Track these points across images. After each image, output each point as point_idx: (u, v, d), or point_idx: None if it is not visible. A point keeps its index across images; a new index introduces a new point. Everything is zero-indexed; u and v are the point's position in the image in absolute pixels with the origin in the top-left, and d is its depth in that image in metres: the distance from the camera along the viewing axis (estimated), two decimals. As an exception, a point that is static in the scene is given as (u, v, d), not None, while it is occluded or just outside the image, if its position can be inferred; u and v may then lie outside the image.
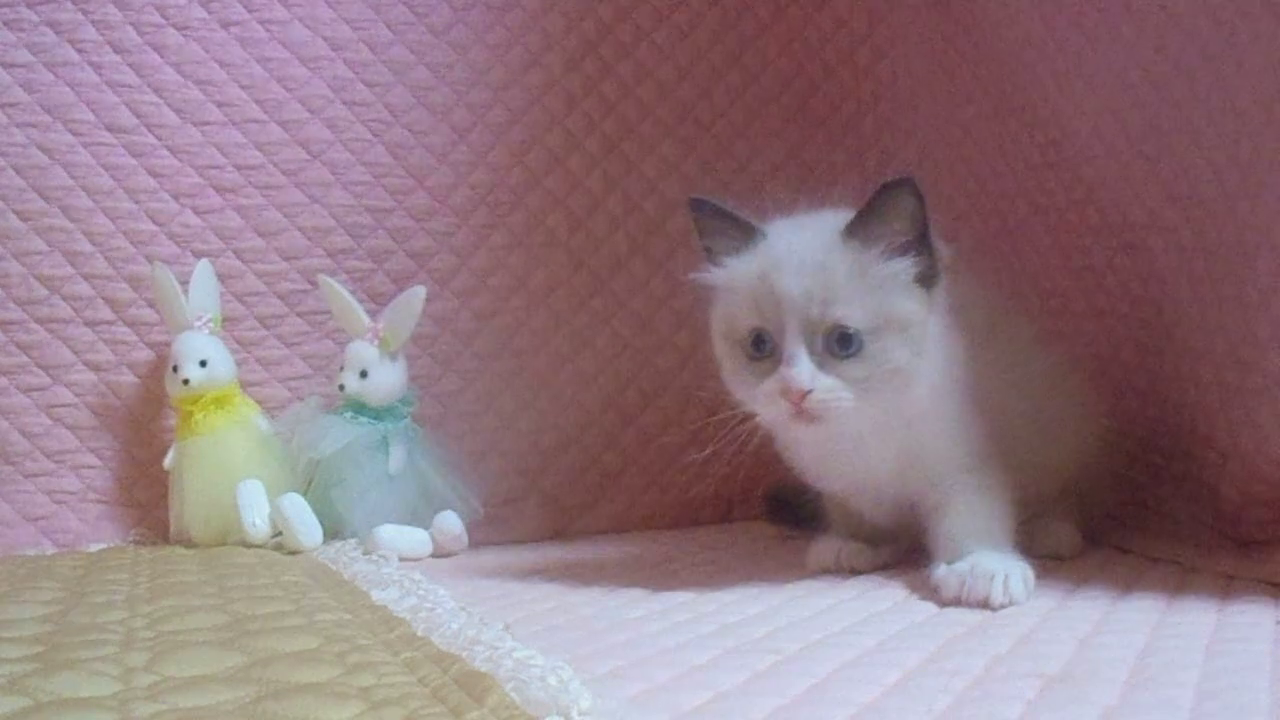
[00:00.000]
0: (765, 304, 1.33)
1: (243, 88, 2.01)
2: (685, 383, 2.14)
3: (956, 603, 1.26)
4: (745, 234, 1.38)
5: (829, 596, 1.34)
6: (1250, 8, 1.45)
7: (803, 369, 1.30)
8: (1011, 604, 1.24)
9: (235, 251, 1.99)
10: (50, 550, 1.86)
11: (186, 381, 1.84)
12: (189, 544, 1.83)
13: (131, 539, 1.90)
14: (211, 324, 1.89)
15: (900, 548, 1.54)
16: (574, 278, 2.13)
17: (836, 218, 1.37)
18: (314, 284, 1.99)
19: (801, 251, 1.34)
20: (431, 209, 2.08)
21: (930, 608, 1.26)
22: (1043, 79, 1.88)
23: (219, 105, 2.00)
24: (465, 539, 1.85)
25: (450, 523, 1.83)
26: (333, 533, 1.83)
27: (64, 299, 1.93)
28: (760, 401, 1.35)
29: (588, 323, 2.13)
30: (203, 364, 1.86)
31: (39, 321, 1.92)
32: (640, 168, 2.18)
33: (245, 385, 1.95)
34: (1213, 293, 1.55)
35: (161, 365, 1.93)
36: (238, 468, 1.83)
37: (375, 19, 2.07)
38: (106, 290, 1.94)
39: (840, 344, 1.31)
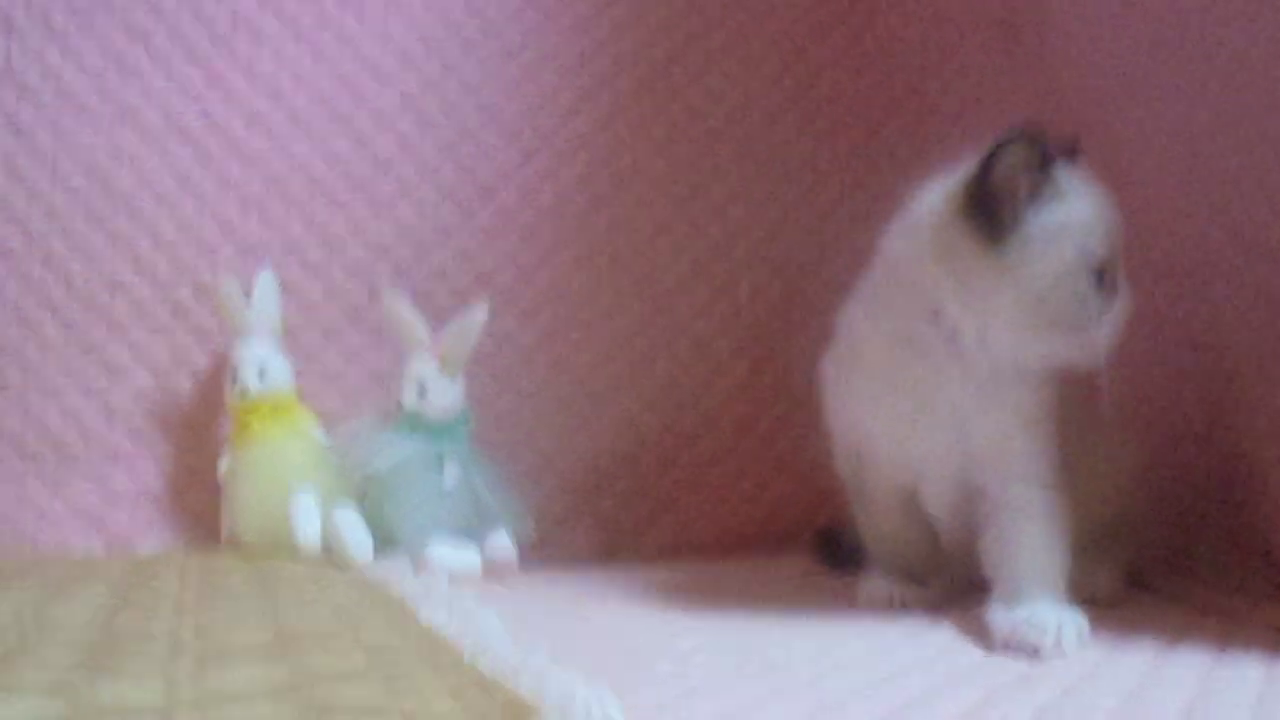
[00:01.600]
0: (1111, 239, 1.35)
1: (312, 99, 2.01)
2: (742, 412, 2.13)
3: (1005, 648, 1.24)
4: (1057, 180, 1.35)
5: (876, 637, 1.31)
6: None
7: None
8: (1061, 654, 1.22)
9: (299, 262, 1.99)
10: (99, 548, 1.86)
11: (245, 391, 1.84)
12: (240, 553, 1.82)
13: (182, 544, 1.90)
14: (273, 334, 1.89)
15: (947, 586, 1.51)
16: (636, 300, 2.12)
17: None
18: (376, 298, 1.99)
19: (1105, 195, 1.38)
20: (497, 228, 2.07)
21: (977, 653, 1.24)
22: (1109, 118, 1.84)
23: (288, 115, 2.00)
24: (516, 559, 1.83)
25: (502, 543, 1.81)
26: (384, 549, 1.82)
27: (126, 301, 1.94)
28: (1101, 330, 1.35)
29: (648, 345, 2.11)
30: (261, 374, 1.86)
31: (100, 323, 1.93)
32: (708, 191, 2.16)
33: (304, 396, 1.95)
34: (1274, 344, 1.51)
35: (220, 372, 1.93)
36: (293, 478, 1.82)
37: (448, 36, 2.07)
38: (169, 295, 1.95)
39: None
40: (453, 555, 1.77)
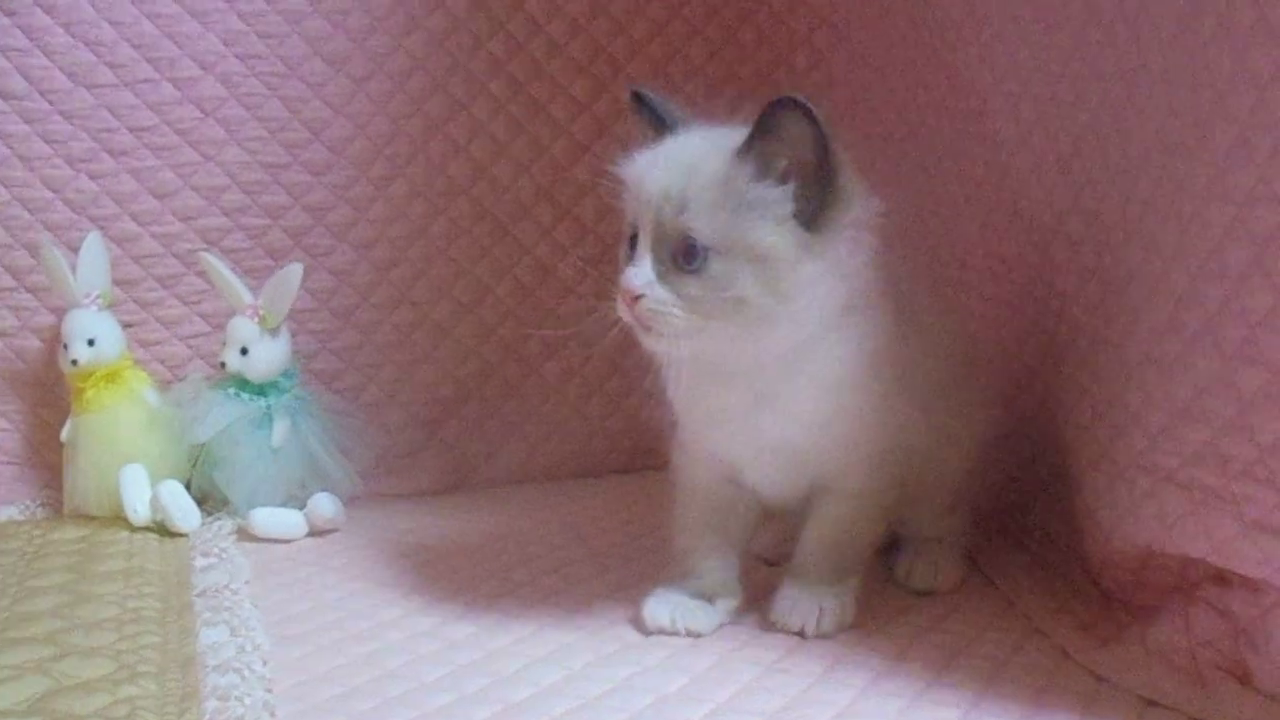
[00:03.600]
0: (637, 201, 1.30)
1: (134, 46, 1.98)
2: (588, 333, 2.13)
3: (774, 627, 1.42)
4: (659, 131, 1.36)
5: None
6: (1164, 35, 1.33)
7: (640, 272, 1.28)
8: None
9: (131, 215, 2.00)
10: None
11: (75, 362, 1.89)
12: (83, 518, 1.89)
13: (40, 502, 1.97)
14: (100, 300, 1.92)
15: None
16: (476, 226, 2.12)
17: (718, 134, 1.33)
18: (211, 243, 2.01)
19: (679, 153, 1.31)
20: (329, 162, 2.06)
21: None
22: (968, 42, 1.77)
23: (110, 66, 1.98)
24: (341, 517, 1.88)
25: (324, 505, 1.87)
26: (222, 507, 1.90)
27: (-36, 269, 1.97)
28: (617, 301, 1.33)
29: (489, 271, 2.12)
30: (90, 343, 1.90)
31: (-61, 290, 1.97)
32: (549, 110, 2.13)
33: (145, 345, 2.00)
34: (1103, 328, 1.46)
35: (63, 329, 1.99)
36: (126, 446, 1.89)
37: (267, -32, 2.03)
38: (6, 258, 1.97)
39: (686, 256, 1.27)
40: (276, 519, 1.84)
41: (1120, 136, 1.44)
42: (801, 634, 1.39)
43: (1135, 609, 1.37)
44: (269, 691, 1.25)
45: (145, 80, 1.99)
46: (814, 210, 1.26)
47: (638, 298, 1.27)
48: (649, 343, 1.32)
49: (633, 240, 1.31)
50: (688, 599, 1.44)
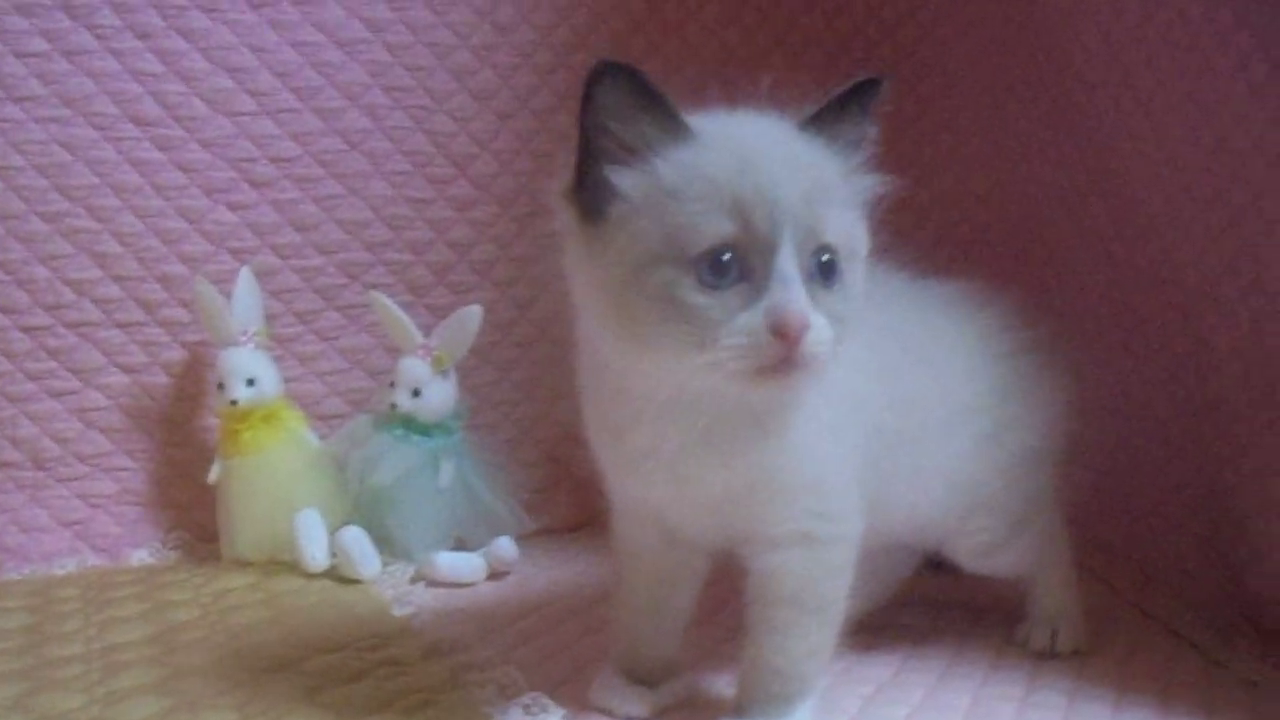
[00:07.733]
0: (751, 209, 0.99)
1: (276, 75, 1.90)
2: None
3: None
4: (675, 128, 1.03)
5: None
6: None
7: (803, 296, 0.99)
8: None
9: (272, 247, 1.92)
10: (90, 559, 1.84)
11: (234, 402, 1.80)
12: (243, 565, 1.80)
13: (170, 545, 1.88)
14: (257, 337, 1.84)
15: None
16: (615, 266, 2.08)
17: (776, 118, 1.08)
18: (351, 277, 1.95)
19: (786, 147, 1.04)
20: (473, 198, 2.02)
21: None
22: (1102, 105, 1.70)
23: (251, 94, 1.89)
24: (517, 560, 1.83)
25: (505, 549, 1.82)
26: (383, 550, 1.81)
27: (93, 302, 1.86)
28: (729, 344, 0.99)
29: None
30: (250, 382, 1.81)
31: (67, 326, 1.85)
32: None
33: (283, 381, 1.89)
34: (1268, 394, 1.44)
35: (196, 364, 1.90)
36: (289, 490, 1.81)
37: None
38: (137, 291, 1.87)
39: (824, 270, 1.03)
40: (459, 562, 1.79)
41: None
42: None
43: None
44: None
45: (288, 110, 1.92)
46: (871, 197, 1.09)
47: (807, 329, 0.99)
48: (775, 391, 1.06)
49: (717, 264, 1.00)
50: (626, 687, 1.30)
